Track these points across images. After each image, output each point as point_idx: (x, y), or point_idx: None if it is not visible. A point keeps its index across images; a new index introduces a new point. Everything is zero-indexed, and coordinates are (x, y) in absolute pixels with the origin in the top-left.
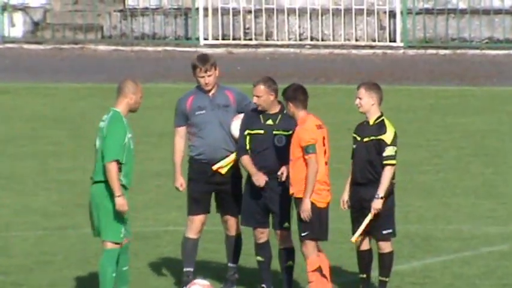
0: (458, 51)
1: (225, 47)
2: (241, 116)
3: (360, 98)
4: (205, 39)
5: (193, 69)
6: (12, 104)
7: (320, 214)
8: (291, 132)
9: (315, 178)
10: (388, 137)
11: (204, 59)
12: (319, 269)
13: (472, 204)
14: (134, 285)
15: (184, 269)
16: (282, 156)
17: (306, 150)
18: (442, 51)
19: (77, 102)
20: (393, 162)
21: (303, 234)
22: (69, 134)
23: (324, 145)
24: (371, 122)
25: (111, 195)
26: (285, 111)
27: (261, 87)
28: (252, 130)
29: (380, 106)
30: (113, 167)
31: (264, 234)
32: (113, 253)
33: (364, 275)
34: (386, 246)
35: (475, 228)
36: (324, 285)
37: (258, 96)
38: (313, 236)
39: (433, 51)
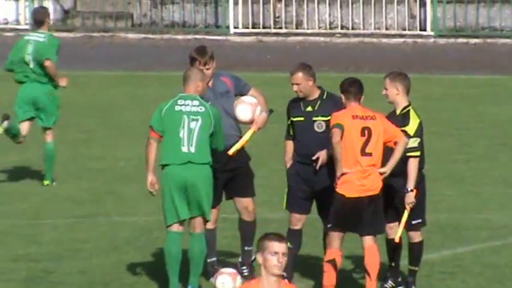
0: (489, 40)
1: (255, 36)
2: (244, 98)
3: (385, 89)
4: (235, 27)
5: (192, 61)
6: None
7: (347, 205)
8: (330, 117)
9: (338, 153)
10: (411, 128)
11: (203, 51)
12: (332, 261)
13: (502, 193)
14: (163, 273)
15: (208, 260)
16: (323, 142)
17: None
18: (472, 40)
19: (107, 90)
20: (416, 154)
21: (328, 225)
22: (100, 122)
23: (363, 135)
24: (397, 112)
25: (210, 177)
26: (324, 97)
27: (299, 75)
28: (294, 117)
29: (408, 95)
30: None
31: (300, 222)
32: None
33: (393, 263)
34: (416, 236)
35: (505, 217)
36: (332, 277)
37: (297, 84)
38: (333, 226)
39: (464, 40)
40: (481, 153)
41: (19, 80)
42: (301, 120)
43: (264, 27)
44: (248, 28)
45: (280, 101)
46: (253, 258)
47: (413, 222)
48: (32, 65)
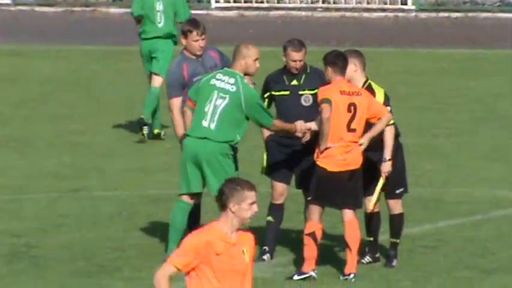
0: (470, 14)
1: (237, 10)
2: None
3: None
4: (216, 1)
5: (188, 33)
6: (24, 66)
7: (328, 178)
8: (317, 90)
9: (327, 129)
10: (379, 98)
11: (197, 23)
12: (311, 234)
13: (483, 167)
14: (147, 247)
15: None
16: (310, 115)
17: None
18: (453, 14)
19: (88, 65)
20: (390, 122)
21: (308, 198)
22: (81, 97)
23: (349, 111)
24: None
25: (227, 154)
26: (308, 70)
27: (304, 51)
28: (277, 92)
29: (364, 71)
30: (276, 123)
31: (282, 197)
32: None
33: (371, 238)
34: (396, 208)
35: (487, 191)
36: (312, 250)
37: (300, 61)
38: (313, 199)
39: (445, 14)
40: (462, 127)
41: None
42: (286, 95)
43: (245, 2)
44: (230, 2)
45: (262, 75)
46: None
47: (397, 191)
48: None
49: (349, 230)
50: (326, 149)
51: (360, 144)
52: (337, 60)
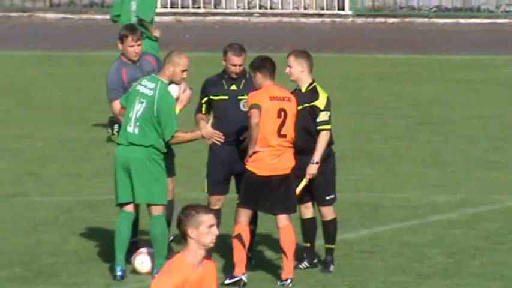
0: (407, 19)
1: (174, 15)
2: None
3: (289, 66)
4: None
5: (123, 38)
6: None
7: (257, 182)
8: None
9: (255, 134)
10: (320, 102)
11: (133, 28)
12: (238, 236)
13: (420, 172)
14: (85, 252)
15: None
16: (247, 120)
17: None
18: (390, 20)
19: (25, 70)
20: (327, 127)
21: (237, 201)
22: (18, 102)
23: (279, 117)
24: (303, 90)
25: (155, 159)
26: (247, 76)
27: (243, 56)
28: (216, 96)
29: (311, 73)
30: (178, 135)
31: (219, 202)
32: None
33: (308, 244)
34: (329, 213)
35: (423, 196)
36: (241, 253)
37: (240, 65)
38: (242, 203)
39: (382, 19)
40: (399, 132)
41: None
42: (224, 99)
43: (182, 7)
44: (166, 8)
45: (198, 80)
46: (171, 238)
47: (327, 198)
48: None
49: (284, 236)
50: (255, 153)
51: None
52: (265, 64)
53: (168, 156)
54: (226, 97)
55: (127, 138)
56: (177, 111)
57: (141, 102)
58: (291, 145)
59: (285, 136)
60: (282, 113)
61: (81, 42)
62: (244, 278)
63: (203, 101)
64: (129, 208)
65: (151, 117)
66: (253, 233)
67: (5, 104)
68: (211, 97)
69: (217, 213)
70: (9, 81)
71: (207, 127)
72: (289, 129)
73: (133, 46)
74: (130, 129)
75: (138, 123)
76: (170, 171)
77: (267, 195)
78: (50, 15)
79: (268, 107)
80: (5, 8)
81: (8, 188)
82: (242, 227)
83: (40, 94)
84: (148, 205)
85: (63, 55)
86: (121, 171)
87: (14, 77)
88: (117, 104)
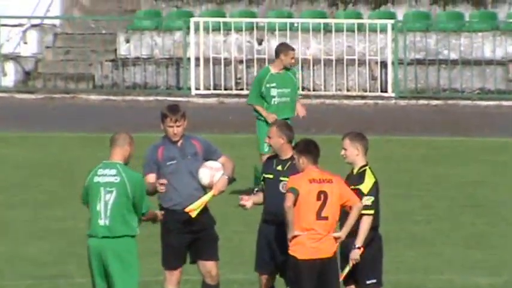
0: (450, 101)
1: (217, 97)
2: (206, 162)
3: (345, 149)
4: (196, 88)
5: (163, 118)
6: (3, 152)
7: (298, 267)
8: None
9: (290, 217)
10: (365, 186)
11: (174, 109)
12: None
13: (463, 254)
14: None
15: None
16: None
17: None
18: (433, 102)
19: (68, 152)
20: (369, 212)
21: None
22: (61, 183)
23: (319, 199)
24: (354, 172)
25: (129, 249)
26: (294, 158)
27: (274, 129)
28: (266, 174)
29: (365, 156)
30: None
31: (268, 282)
32: None
33: None
34: None
35: (467, 278)
36: None
37: (269, 137)
38: None
39: (425, 101)
40: (442, 214)
41: None
42: (270, 178)
43: (225, 89)
44: (209, 89)
45: (239, 162)
46: None
47: (368, 282)
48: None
49: None
50: (294, 237)
51: (337, 238)
52: (310, 149)
53: (211, 239)
54: (271, 176)
55: (100, 233)
56: (209, 196)
57: (109, 192)
58: (333, 227)
59: (326, 218)
60: (322, 196)
61: (124, 124)
62: None
63: (261, 178)
64: None
65: (126, 202)
66: None
67: (48, 185)
68: (263, 174)
69: None
70: (53, 162)
71: (157, 213)
72: (330, 211)
73: (172, 127)
74: (101, 222)
75: (108, 214)
76: (214, 255)
77: (310, 278)
78: (93, 97)
79: (307, 190)
80: (48, 89)
81: (51, 269)
82: None
83: (83, 175)
84: None
85: (106, 136)
86: (95, 261)
87: (57, 158)
88: (148, 178)
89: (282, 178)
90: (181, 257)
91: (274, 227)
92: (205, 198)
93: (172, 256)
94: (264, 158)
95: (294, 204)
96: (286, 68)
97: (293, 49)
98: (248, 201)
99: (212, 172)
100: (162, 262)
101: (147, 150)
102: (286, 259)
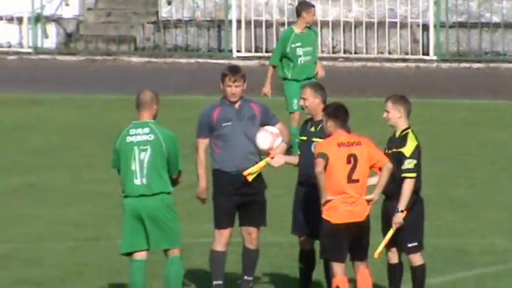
0: (492, 64)
1: (258, 59)
2: (267, 127)
3: (387, 112)
4: (238, 51)
5: (223, 77)
6: (45, 115)
7: (332, 231)
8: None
9: (321, 183)
10: (407, 149)
11: (234, 69)
12: None
13: (505, 218)
14: None
15: (214, 282)
16: None
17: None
18: (475, 65)
19: (109, 114)
20: (411, 175)
21: (321, 257)
22: (102, 146)
23: (348, 162)
24: (397, 135)
25: (167, 204)
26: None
27: (308, 90)
28: (301, 136)
29: (408, 119)
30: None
31: (308, 242)
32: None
33: None
34: (415, 260)
35: (508, 242)
36: None
37: (303, 99)
38: (326, 256)
39: (467, 64)
40: (484, 178)
41: None
42: (304, 140)
43: (266, 51)
44: (251, 52)
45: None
46: (250, 286)
47: (409, 245)
48: None
49: (361, 281)
50: (327, 201)
51: (369, 200)
52: (339, 114)
53: (259, 204)
54: (305, 138)
55: (136, 191)
56: (266, 161)
57: (144, 151)
58: (365, 190)
59: (357, 181)
60: (352, 159)
61: (166, 86)
62: None
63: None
64: (141, 256)
65: (161, 159)
66: (310, 275)
67: (89, 148)
68: (299, 137)
69: (309, 254)
70: (94, 124)
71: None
72: (361, 174)
73: (230, 86)
74: (137, 181)
75: (144, 173)
76: (258, 221)
77: (344, 242)
78: (135, 59)
79: (336, 155)
80: (89, 51)
81: (92, 231)
82: (339, 279)
83: None
84: (166, 249)
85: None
86: (132, 220)
87: (98, 120)
88: (201, 142)
89: (314, 139)
90: (230, 218)
91: (308, 189)
92: (263, 163)
93: (222, 216)
94: (295, 117)
95: (325, 169)
96: (308, 27)
97: (313, 6)
98: (279, 157)
99: (273, 138)
100: (214, 222)
101: (203, 111)
102: (319, 222)
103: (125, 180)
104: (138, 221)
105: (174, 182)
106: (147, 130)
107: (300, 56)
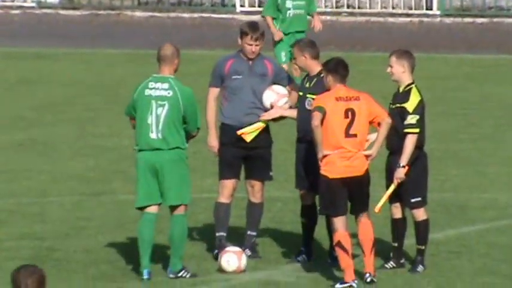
0: (495, 19)
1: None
2: (274, 86)
3: (391, 66)
4: (241, 5)
5: (243, 35)
6: (49, 69)
7: (330, 186)
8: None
9: (317, 137)
10: (410, 104)
11: (255, 27)
12: (338, 244)
13: (508, 173)
14: (166, 255)
15: (217, 234)
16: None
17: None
18: (479, 20)
19: (113, 69)
20: (414, 130)
21: (320, 213)
22: (106, 100)
23: (346, 117)
24: (400, 90)
25: (182, 159)
26: (322, 75)
27: (295, 49)
28: (299, 92)
29: (412, 74)
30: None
31: (309, 197)
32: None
33: (396, 244)
34: (419, 214)
35: (510, 197)
36: (346, 259)
37: (294, 58)
38: (325, 212)
39: (470, 19)
40: (487, 133)
41: None
42: (300, 95)
43: None
44: (254, 7)
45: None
46: (253, 240)
47: (412, 200)
48: None
49: (362, 232)
50: (325, 156)
51: (368, 156)
52: (338, 69)
53: (263, 158)
54: (301, 93)
55: (151, 145)
56: (260, 124)
57: (161, 106)
58: (363, 145)
59: (354, 136)
60: (350, 113)
61: (169, 41)
62: (354, 284)
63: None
64: (153, 210)
65: (177, 115)
66: (312, 230)
67: (93, 103)
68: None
69: (311, 209)
70: (97, 79)
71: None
72: (359, 129)
73: (251, 45)
74: (153, 135)
75: (160, 127)
76: (261, 175)
77: (343, 197)
78: (138, 14)
79: (334, 108)
80: (93, 6)
81: (96, 185)
82: (340, 234)
83: (128, 92)
84: (172, 205)
85: (150, 53)
86: (147, 173)
87: (102, 75)
88: (212, 91)
89: (308, 95)
90: (234, 170)
91: (307, 145)
92: (261, 123)
93: (225, 168)
94: (284, 68)
95: (322, 123)
96: None
97: None
98: (276, 109)
99: (278, 97)
100: (218, 175)
101: (218, 61)
102: (317, 177)
103: (139, 133)
104: (152, 174)
105: (189, 137)
106: (166, 86)
107: (289, 8)
